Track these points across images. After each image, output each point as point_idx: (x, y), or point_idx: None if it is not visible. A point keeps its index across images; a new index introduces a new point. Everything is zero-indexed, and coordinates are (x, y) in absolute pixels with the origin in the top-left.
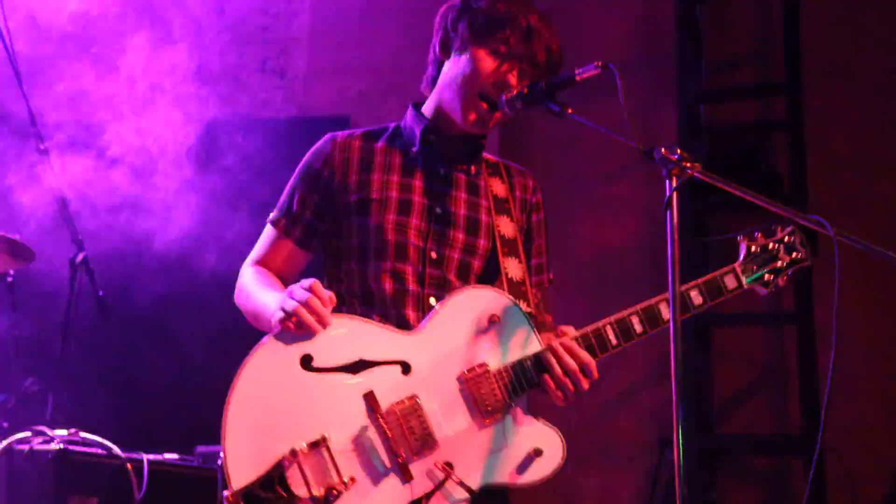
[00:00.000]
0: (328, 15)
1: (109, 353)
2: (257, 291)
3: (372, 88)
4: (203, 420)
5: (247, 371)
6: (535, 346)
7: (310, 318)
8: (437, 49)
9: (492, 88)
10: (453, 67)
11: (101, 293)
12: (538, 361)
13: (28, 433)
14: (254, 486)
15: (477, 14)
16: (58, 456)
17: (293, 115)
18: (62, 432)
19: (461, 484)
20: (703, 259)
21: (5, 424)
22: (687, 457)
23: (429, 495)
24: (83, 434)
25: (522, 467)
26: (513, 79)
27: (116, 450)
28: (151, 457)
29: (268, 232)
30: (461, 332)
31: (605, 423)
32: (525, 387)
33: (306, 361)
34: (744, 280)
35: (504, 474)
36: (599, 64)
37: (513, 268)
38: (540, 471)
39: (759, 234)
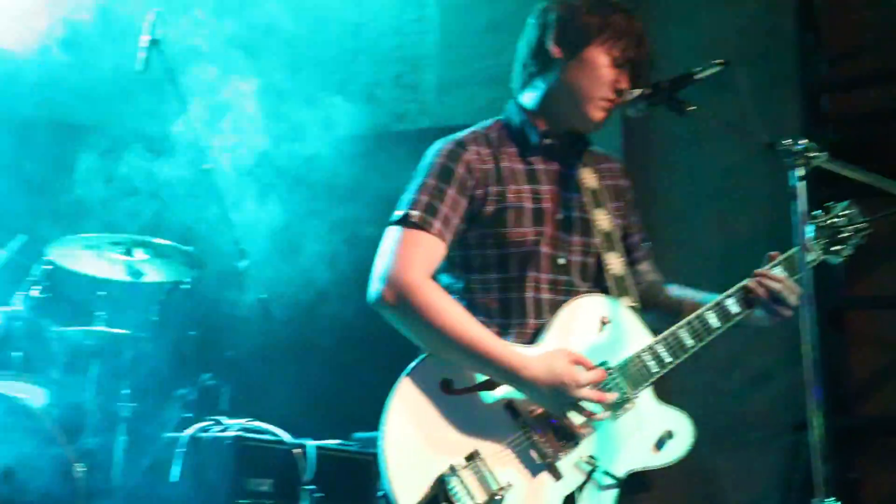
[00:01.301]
0: (455, 31)
1: (273, 350)
2: (479, 331)
3: (499, 96)
4: (357, 409)
5: (394, 405)
6: (646, 337)
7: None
8: (542, 51)
9: (612, 93)
10: (570, 73)
11: (263, 296)
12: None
13: (209, 422)
14: None
15: (591, 22)
16: (235, 442)
17: (426, 126)
18: (237, 421)
19: (607, 473)
20: None
21: (190, 415)
22: (825, 436)
23: (580, 488)
24: (255, 423)
25: (657, 450)
26: (625, 82)
27: (285, 436)
28: (316, 442)
29: (421, 237)
30: (578, 338)
31: (739, 406)
32: (655, 368)
33: (447, 385)
34: (818, 253)
35: (641, 459)
36: (720, 62)
37: (613, 262)
38: (673, 452)
39: (822, 212)
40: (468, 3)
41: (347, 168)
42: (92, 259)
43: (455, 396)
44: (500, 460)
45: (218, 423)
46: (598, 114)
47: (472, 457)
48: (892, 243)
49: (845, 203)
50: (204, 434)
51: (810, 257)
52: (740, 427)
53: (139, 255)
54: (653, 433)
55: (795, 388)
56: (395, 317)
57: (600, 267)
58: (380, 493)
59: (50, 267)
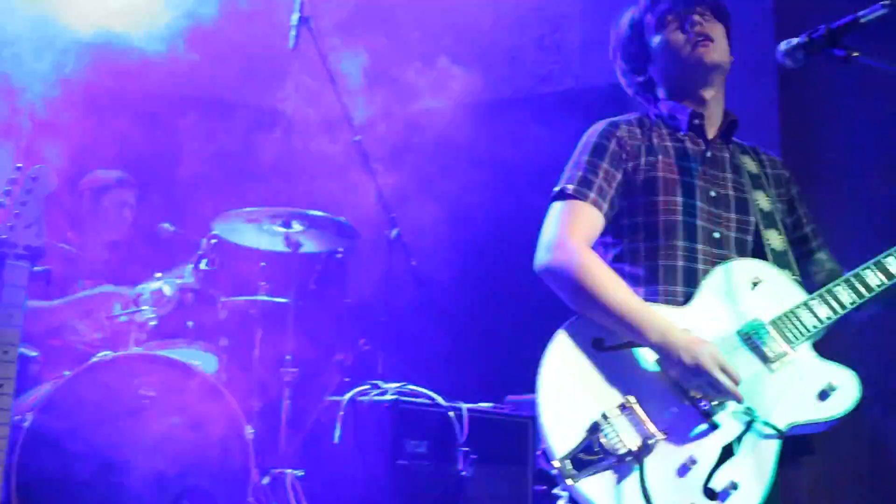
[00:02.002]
0: None
1: (424, 316)
2: (632, 298)
3: None
4: (509, 373)
5: (550, 360)
6: (801, 295)
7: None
8: (640, 54)
9: (695, 34)
10: (662, 52)
11: (413, 262)
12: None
13: (367, 386)
14: (576, 452)
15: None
16: (392, 405)
17: (570, 87)
18: (393, 385)
19: (767, 424)
20: None
21: (348, 379)
22: None
23: (740, 438)
24: (411, 386)
25: (820, 401)
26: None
27: (440, 399)
28: (469, 405)
29: (578, 207)
30: (730, 298)
31: None
32: (810, 327)
33: (598, 344)
34: None
35: (803, 410)
36: (887, 3)
37: (774, 239)
38: (838, 405)
39: None
40: None
41: (490, 132)
42: (253, 232)
43: (606, 352)
44: (654, 409)
45: (376, 386)
46: (700, 51)
47: (624, 405)
48: None
49: None
50: (363, 397)
51: None
52: None
53: (296, 226)
54: (814, 385)
55: None
56: (557, 280)
57: (761, 245)
58: (538, 451)
59: (215, 241)
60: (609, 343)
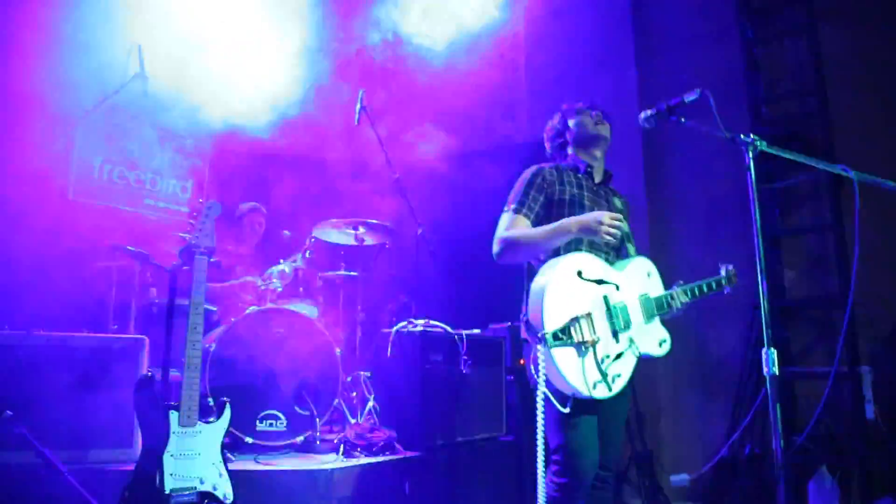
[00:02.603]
0: None
1: (438, 280)
2: (537, 230)
3: None
4: (490, 309)
5: (553, 269)
6: (662, 289)
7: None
8: (558, 132)
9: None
10: (577, 126)
11: (431, 249)
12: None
13: (405, 322)
14: (557, 331)
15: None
16: (420, 334)
17: (520, 142)
18: (421, 321)
19: (636, 348)
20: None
21: (394, 319)
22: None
23: (624, 352)
24: (432, 322)
25: (657, 346)
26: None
27: (449, 328)
28: (467, 331)
29: (512, 217)
30: (640, 275)
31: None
32: (666, 307)
33: (579, 274)
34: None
35: (651, 349)
36: (698, 90)
37: (630, 248)
38: (663, 350)
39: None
40: None
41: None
42: (336, 233)
43: (583, 281)
44: (598, 324)
45: (411, 322)
46: (599, 128)
47: (588, 315)
48: None
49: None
50: (403, 330)
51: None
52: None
53: (361, 229)
54: (657, 338)
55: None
56: (505, 254)
57: (626, 249)
58: (522, 320)
59: (314, 239)
60: (585, 276)
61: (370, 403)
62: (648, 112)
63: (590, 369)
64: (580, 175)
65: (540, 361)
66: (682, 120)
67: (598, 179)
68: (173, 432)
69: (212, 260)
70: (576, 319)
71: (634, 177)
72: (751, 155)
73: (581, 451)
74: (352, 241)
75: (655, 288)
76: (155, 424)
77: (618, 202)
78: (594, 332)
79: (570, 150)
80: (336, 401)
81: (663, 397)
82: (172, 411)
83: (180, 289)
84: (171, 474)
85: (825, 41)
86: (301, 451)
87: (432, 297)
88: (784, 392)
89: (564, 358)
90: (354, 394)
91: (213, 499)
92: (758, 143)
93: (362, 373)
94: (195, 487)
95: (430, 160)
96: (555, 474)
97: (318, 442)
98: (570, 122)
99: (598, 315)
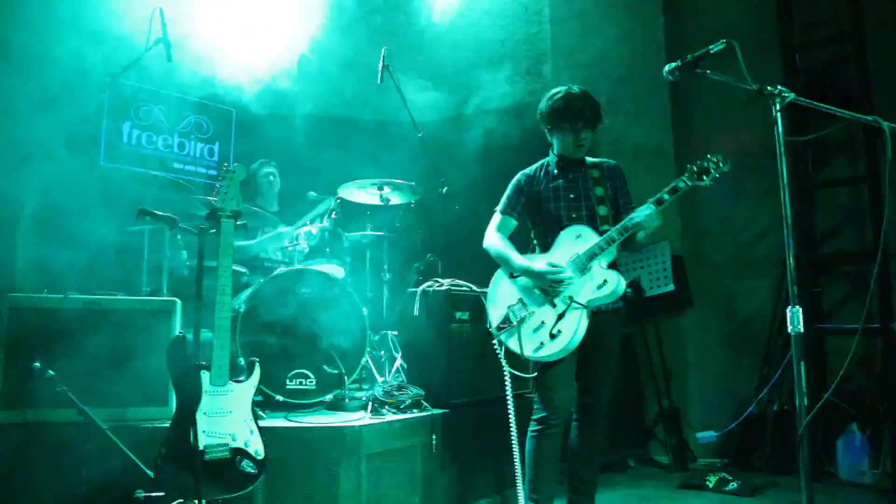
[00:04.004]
0: None
1: (464, 238)
2: (510, 253)
3: None
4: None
5: (494, 279)
6: (595, 239)
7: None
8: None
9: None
10: (556, 141)
11: (456, 207)
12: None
13: (431, 282)
14: (499, 322)
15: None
16: (446, 293)
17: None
18: (447, 280)
19: (577, 302)
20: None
21: (421, 278)
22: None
23: (565, 310)
24: (458, 280)
25: (599, 290)
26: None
27: (475, 288)
28: (480, 289)
29: (499, 217)
30: (567, 242)
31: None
32: (597, 252)
33: (510, 276)
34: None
35: (592, 294)
36: (724, 41)
37: (602, 210)
38: (606, 289)
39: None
40: None
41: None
42: (362, 193)
43: (513, 279)
44: (531, 301)
45: (437, 281)
46: (576, 150)
47: (520, 301)
48: None
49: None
50: (430, 288)
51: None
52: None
53: (386, 189)
54: (597, 281)
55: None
56: (488, 252)
57: (595, 214)
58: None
59: (339, 200)
60: (514, 274)
61: (398, 362)
62: (673, 64)
63: (530, 338)
64: (554, 172)
65: (497, 349)
66: (708, 72)
67: (573, 167)
68: (205, 391)
69: (238, 223)
70: (510, 309)
71: (662, 128)
72: (778, 107)
73: (553, 387)
74: (377, 201)
75: (588, 242)
76: (187, 384)
77: (594, 173)
78: (523, 311)
79: (551, 148)
80: (364, 359)
81: (691, 354)
82: (203, 371)
83: (210, 251)
84: (204, 431)
85: None
86: (330, 408)
87: (458, 256)
88: (814, 348)
89: (511, 340)
90: (382, 352)
91: (245, 454)
92: (785, 93)
93: (389, 332)
94: (227, 444)
95: (454, 117)
96: (534, 412)
97: (346, 400)
98: (553, 137)
99: (528, 297)
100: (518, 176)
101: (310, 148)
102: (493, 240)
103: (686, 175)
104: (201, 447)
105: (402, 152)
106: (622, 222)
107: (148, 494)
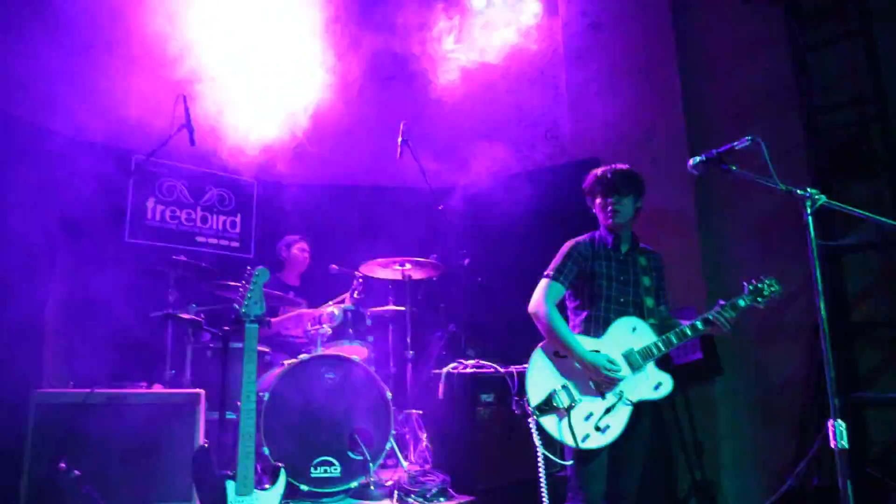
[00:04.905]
0: None
1: (487, 309)
2: (569, 335)
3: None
4: (515, 347)
5: (535, 354)
6: (653, 338)
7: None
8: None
9: (608, 210)
10: (595, 210)
11: (479, 280)
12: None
13: (455, 363)
14: (540, 405)
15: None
16: (470, 376)
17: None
18: (471, 361)
19: (627, 399)
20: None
21: (444, 352)
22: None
23: (614, 405)
24: (482, 361)
25: (654, 391)
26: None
27: (500, 368)
28: (517, 368)
29: (549, 283)
30: (623, 333)
31: None
32: (655, 353)
33: (557, 354)
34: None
35: (644, 394)
36: (749, 138)
37: (649, 301)
38: (661, 392)
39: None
40: None
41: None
42: (383, 270)
43: (560, 359)
44: (578, 388)
45: (461, 363)
46: (609, 218)
47: (565, 385)
48: None
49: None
50: (454, 370)
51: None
52: None
53: (408, 266)
54: (653, 382)
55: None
56: (537, 321)
57: (643, 304)
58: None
59: (361, 279)
60: (561, 354)
61: (423, 442)
62: (697, 158)
63: (576, 427)
64: (608, 248)
65: (533, 429)
66: (734, 168)
67: (625, 249)
68: (230, 502)
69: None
70: (556, 392)
71: (683, 190)
72: (809, 210)
73: (589, 481)
74: (398, 277)
75: (644, 339)
76: (212, 494)
77: (643, 261)
78: (571, 399)
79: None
80: (389, 444)
81: (722, 424)
82: (229, 481)
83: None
84: None
85: (881, 43)
86: (356, 496)
87: (481, 328)
88: (852, 418)
89: (550, 423)
90: (406, 431)
91: None
92: (816, 196)
93: (413, 411)
94: None
95: (473, 185)
96: (570, 500)
97: (372, 487)
98: (592, 201)
99: (577, 383)
100: (571, 244)
101: (329, 218)
102: (546, 311)
103: (745, 294)
104: None
105: (423, 218)
106: (683, 329)
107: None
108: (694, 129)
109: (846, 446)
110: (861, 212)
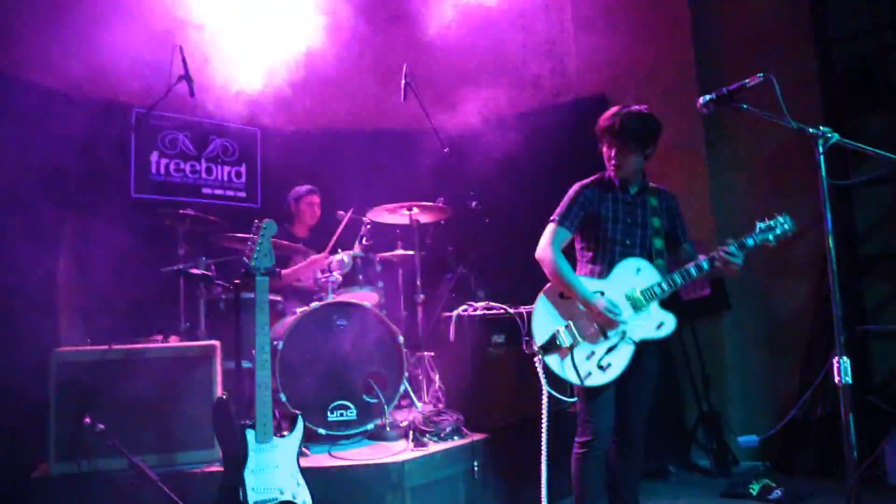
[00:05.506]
0: None
1: (496, 251)
2: (572, 277)
3: None
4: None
5: (540, 298)
6: (657, 277)
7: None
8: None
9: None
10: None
11: (486, 220)
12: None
13: (465, 306)
14: (544, 345)
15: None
16: (480, 318)
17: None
18: (482, 303)
19: (630, 338)
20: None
21: (454, 294)
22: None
23: (617, 344)
24: (492, 303)
25: (657, 331)
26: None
27: (510, 310)
28: (527, 308)
29: (556, 229)
30: (627, 274)
31: None
32: (658, 293)
33: (561, 296)
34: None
35: (646, 333)
36: (761, 75)
37: (658, 243)
38: (663, 332)
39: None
40: None
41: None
42: (390, 215)
43: (565, 300)
44: (580, 328)
45: (471, 305)
46: (612, 169)
47: (568, 326)
48: None
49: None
50: (464, 313)
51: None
52: None
53: (415, 210)
54: (655, 321)
55: None
56: (543, 265)
57: (651, 246)
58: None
59: (369, 225)
60: (566, 296)
61: (436, 383)
62: (707, 97)
63: (579, 365)
64: (615, 190)
65: (539, 368)
66: (744, 106)
67: (633, 191)
68: (251, 449)
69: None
70: (559, 332)
71: (693, 126)
72: (821, 150)
73: (597, 413)
74: (406, 221)
75: (649, 279)
76: (233, 443)
77: (653, 201)
78: (573, 339)
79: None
80: (402, 386)
81: (730, 356)
82: (249, 430)
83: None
84: (253, 489)
85: None
86: (372, 437)
87: (490, 269)
88: (858, 350)
89: (554, 362)
90: (420, 372)
91: None
92: (829, 135)
93: (426, 353)
94: (276, 498)
95: (479, 123)
96: (578, 435)
97: (387, 429)
98: (600, 147)
99: (580, 323)
100: (576, 188)
101: (334, 165)
102: (552, 255)
103: (756, 232)
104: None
105: (429, 160)
106: (687, 269)
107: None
108: (704, 63)
109: (850, 382)
110: (873, 149)
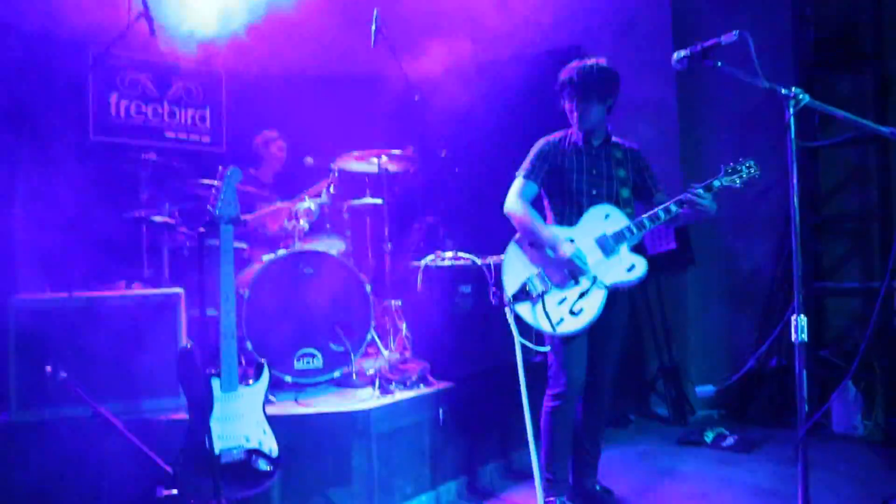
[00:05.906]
0: None
1: (464, 201)
2: (538, 225)
3: None
4: (493, 237)
5: (510, 247)
6: (626, 221)
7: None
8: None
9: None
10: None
11: (456, 170)
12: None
13: (432, 256)
14: (516, 292)
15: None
16: (449, 267)
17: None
18: (449, 253)
19: (601, 283)
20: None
21: (422, 243)
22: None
23: (589, 289)
24: (460, 253)
25: (627, 273)
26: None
27: (477, 260)
28: (494, 259)
29: (522, 182)
30: (596, 220)
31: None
32: (627, 236)
33: (531, 245)
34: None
35: (619, 276)
36: (736, 32)
37: (625, 193)
38: (634, 275)
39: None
40: None
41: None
42: (359, 164)
43: (534, 248)
44: (552, 274)
45: (439, 255)
46: (576, 122)
47: (539, 273)
48: None
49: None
50: (432, 264)
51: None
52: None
53: (384, 158)
54: (626, 264)
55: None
56: (511, 218)
57: (618, 196)
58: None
59: (336, 172)
60: (536, 244)
61: (403, 332)
62: (682, 53)
63: (551, 312)
64: (579, 144)
65: (510, 319)
66: (719, 63)
67: (597, 143)
68: (217, 398)
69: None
70: (529, 280)
71: (665, 81)
72: (792, 111)
73: (569, 365)
74: (375, 170)
75: (617, 224)
76: (199, 392)
77: (618, 153)
78: (544, 285)
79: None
80: (369, 335)
81: (691, 310)
82: (214, 378)
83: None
84: (219, 436)
85: None
86: (338, 385)
87: (459, 219)
88: (813, 307)
89: (526, 311)
90: (387, 320)
91: (260, 454)
92: (800, 97)
93: (393, 301)
94: (242, 446)
95: (450, 73)
96: (550, 387)
97: (354, 376)
98: (562, 101)
99: (551, 270)
100: (541, 143)
101: (301, 110)
102: (517, 207)
103: (722, 175)
104: (217, 452)
105: (397, 108)
106: (656, 213)
107: (168, 492)
108: (679, 17)
109: (805, 340)
110: (843, 112)
